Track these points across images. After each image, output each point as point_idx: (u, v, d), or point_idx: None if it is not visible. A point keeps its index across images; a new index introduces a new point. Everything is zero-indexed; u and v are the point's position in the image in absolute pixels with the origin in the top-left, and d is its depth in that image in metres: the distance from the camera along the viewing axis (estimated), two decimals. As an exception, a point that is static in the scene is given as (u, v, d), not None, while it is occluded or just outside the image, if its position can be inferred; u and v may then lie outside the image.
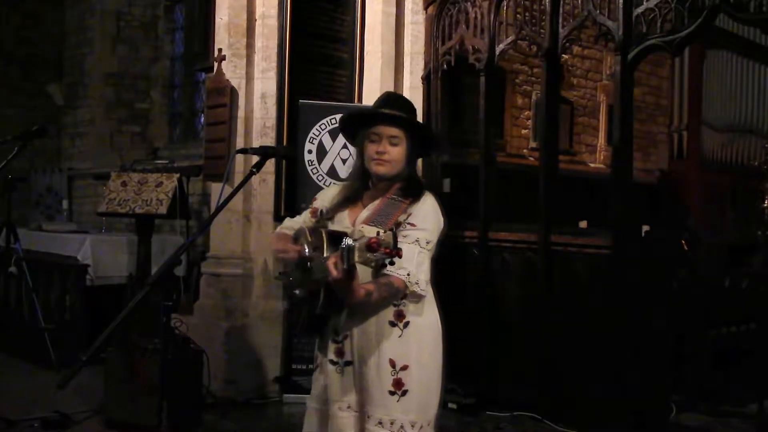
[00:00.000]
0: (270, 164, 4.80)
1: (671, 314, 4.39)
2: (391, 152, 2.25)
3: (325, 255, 2.10)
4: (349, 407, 2.27)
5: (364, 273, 2.14)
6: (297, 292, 2.28)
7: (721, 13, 3.95)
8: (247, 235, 4.87)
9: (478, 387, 4.61)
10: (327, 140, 4.68)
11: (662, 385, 4.35)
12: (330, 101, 4.90)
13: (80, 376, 2.05)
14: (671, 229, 6.02)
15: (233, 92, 4.88)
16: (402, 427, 2.22)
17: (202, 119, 6.68)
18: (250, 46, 4.93)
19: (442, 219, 2.30)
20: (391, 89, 5.18)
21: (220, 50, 4.95)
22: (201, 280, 5.10)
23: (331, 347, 2.30)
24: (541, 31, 4.57)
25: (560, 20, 4.47)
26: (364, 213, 2.29)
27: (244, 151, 2.59)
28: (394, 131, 2.25)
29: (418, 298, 2.23)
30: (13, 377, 5.01)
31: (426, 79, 5.27)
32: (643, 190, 6.97)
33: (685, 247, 4.89)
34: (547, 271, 4.48)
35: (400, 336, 2.25)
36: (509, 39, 4.80)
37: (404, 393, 2.23)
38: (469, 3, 4.98)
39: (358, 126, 2.35)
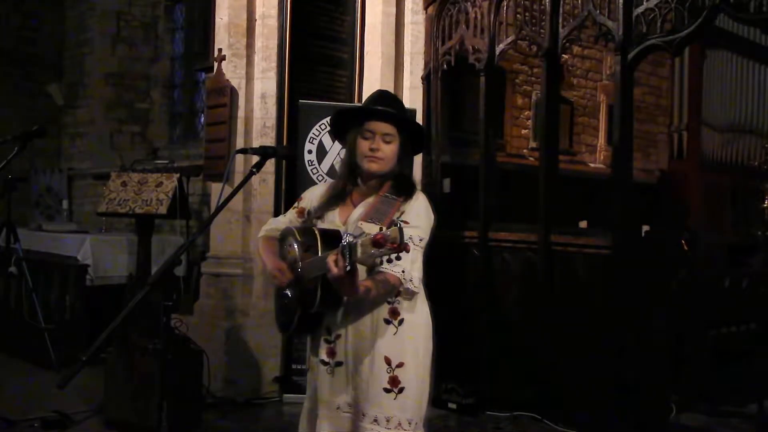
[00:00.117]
0: (270, 164, 4.81)
1: (671, 314, 4.39)
2: (384, 149, 2.26)
3: (319, 254, 2.11)
4: (338, 408, 2.27)
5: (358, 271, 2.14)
6: (288, 292, 2.29)
7: (721, 13, 3.95)
8: (247, 235, 4.87)
9: (478, 387, 4.61)
10: (327, 140, 4.68)
11: (662, 385, 4.35)
12: (330, 101, 4.90)
13: (80, 376, 2.04)
14: (671, 229, 6.02)
15: (233, 92, 4.88)
16: (399, 424, 2.23)
17: (202, 119, 6.68)
18: (250, 46, 4.93)
19: (433, 216, 2.31)
20: (391, 89, 5.18)
21: (220, 50, 4.95)
22: (201, 280, 5.10)
23: (323, 347, 2.30)
24: (541, 31, 4.57)
25: (560, 20, 4.47)
26: (357, 210, 2.29)
27: (244, 151, 2.59)
28: (387, 128, 2.26)
29: (411, 295, 2.24)
30: (13, 377, 5.00)
31: (426, 79, 5.27)
32: (643, 190, 6.97)
33: (685, 247, 4.89)
34: (547, 271, 4.48)
35: (395, 333, 2.26)
36: (509, 39, 4.80)
37: (401, 390, 2.24)
38: (469, 3, 4.98)
39: (348, 123, 2.34)
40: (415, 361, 2.27)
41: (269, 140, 4.84)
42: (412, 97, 5.26)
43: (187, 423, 3.88)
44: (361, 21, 5.20)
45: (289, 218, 2.46)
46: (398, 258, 1.87)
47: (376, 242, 1.80)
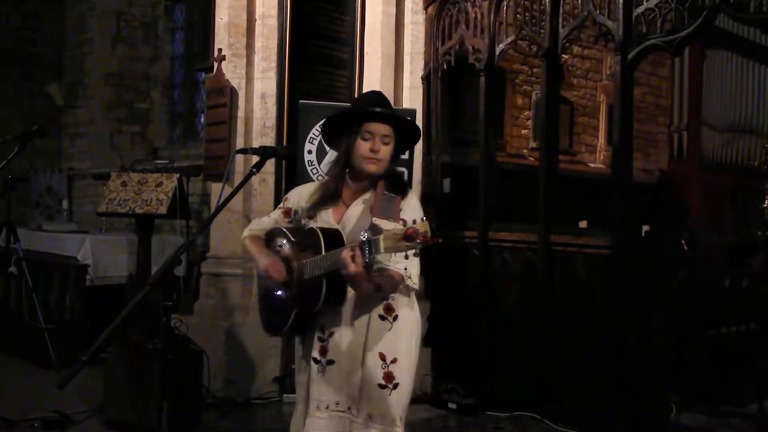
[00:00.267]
0: (270, 164, 4.80)
1: (671, 314, 4.39)
2: (383, 151, 2.27)
3: (323, 252, 2.11)
4: (327, 407, 2.28)
5: None
6: (281, 293, 2.29)
7: (721, 13, 3.95)
8: (247, 236, 4.86)
9: (478, 387, 4.61)
10: (327, 140, 4.68)
11: (662, 385, 4.35)
12: (330, 101, 4.89)
13: (80, 376, 2.04)
14: (671, 229, 6.02)
15: (233, 92, 4.88)
16: (393, 420, 2.26)
17: (202, 119, 6.68)
18: (250, 46, 4.93)
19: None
20: (391, 89, 5.18)
21: (220, 50, 4.95)
22: (201, 280, 5.10)
23: (316, 345, 2.31)
24: (541, 31, 4.57)
25: (560, 20, 4.47)
26: (353, 209, 2.31)
27: (244, 151, 2.60)
28: (386, 130, 2.28)
29: (409, 291, 2.28)
30: (13, 377, 5.00)
31: (426, 79, 5.27)
32: (643, 190, 6.97)
33: (685, 247, 4.89)
34: (547, 271, 4.48)
35: (390, 329, 2.29)
36: (509, 39, 4.80)
37: (395, 386, 2.26)
38: (469, 3, 4.98)
39: (343, 125, 2.35)
40: (408, 357, 2.31)
41: (269, 140, 4.84)
42: (412, 97, 5.26)
43: (187, 423, 3.88)
44: (361, 21, 5.20)
45: (275, 219, 2.47)
46: (416, 254, 1.89)
47: (408, 236, 1.83)
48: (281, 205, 2.49)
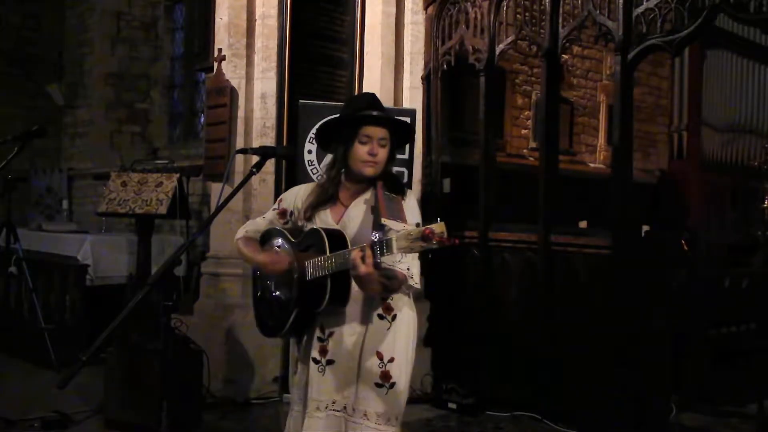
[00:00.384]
0: (270, 164, 4.80)
1: (671, 314, 4.38)
2: (380, 154, 2.29)
3: (327, 253, 2.11)
4: (327, 407, 2.28)
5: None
6: (280, 294, 2.29)
7: (721, 13, 3.95)
8: (247, 235, 4.86)
9: (478, 387, 4.61)
10: (327, 140, 4.67)
11: (662, 385, 4.35)
12: (330, 101, 4.89)
13: (80, 376, 2.04)
14: (671, 229, 6.02)
15: (233, 92, 4.88)
16: (389, 420, 2.27)
17: (202, 119, 6.68)
18: (250, 46, 4.93)
19: None
20: (391, 89, 5.18)
21: (220, 50, 4.95)
22: (201, 280, 5.10)
23: (315, 345, 2.31)
24: (541, 31, 4.57)
25: (560, 20, 4.47)
26: (353, 210, 2.32)
27: (244, 151, 2.60)
28: (383, 133, 2.29)
29: (409, 291, 2.28)
30: (13, 377, 5.00)
31: (426, 79, 5.27)
32: (643, 190, 6.98)
33: (685, 247, 4.89)
34: (547, 271, 4.48)
35: (388, 329, 2.30)
36: (509, 39, 4.80)
37: (392, 386, 2.27)
38: (469, 3, 4.98)
39: (338, 128, 2.35)
40: (405, 357, 2.32)
41: (269, 140, 4.83)
42: (412, 97, 5.26)
43: (187, 423, 3.88)
44: (361, 21, 5.20)
45: (269, 219, 2.47)
46: (431, 254, 1.89)
47: (426, 237, 1.83)
48: (275, 206, 2.49)
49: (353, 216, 2.31)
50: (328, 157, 5.02)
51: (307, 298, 2.22)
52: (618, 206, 4.17)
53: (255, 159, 2.41)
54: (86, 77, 8.08)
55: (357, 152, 2.28)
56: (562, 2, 4.45)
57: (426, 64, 5.28)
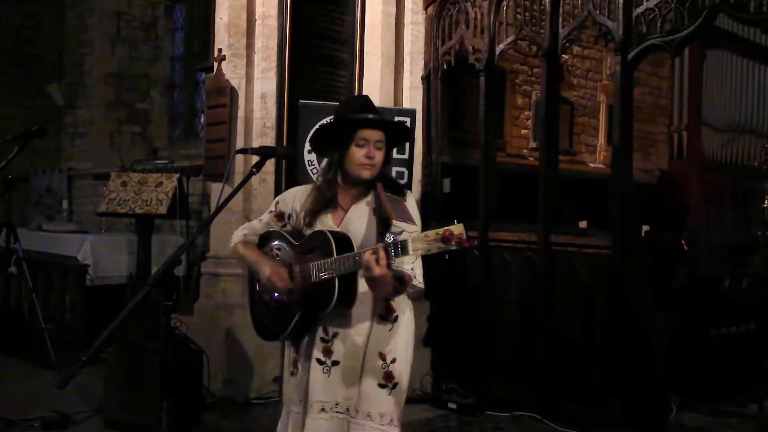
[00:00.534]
0: (270, 164, 4.80)
1: (671, 314, 4.38)
2: (377, 156, 2.29)
3: (335, 255, 2.12)
4: (331, 408, 2.27)
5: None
6: (282, 297, 2.29)
7: (721, 13, 3.95)
8: (247, 235, 4.86)
9: (478, 387, 4.61)
10: (327, 140, 4.67)
11: (662, 385, 4.35)
12: (330, 101, 4.89)
13: (80, 376, 2.04)
14: (671, 229, 6.02)
15: (233, 92, 4.88)
16: (391, 420, 2.27)
17: (202, 119, 6.68)
18: (250, 46, 4.93)
19: None
20: (391, 89, 5.18)
21: (220, 50, 4.95)
22: (201, 280, 5.10)
23: (319, 346, 2.30)
24: (541, 31, 4.57)
25: (560, 20, 4.47)
26: (355, 212, 2.31)
27: (244, 151, 2.60)
28: (379, 135, 2.29)
29: (413, 291, 2.28)
30: (13, 377, 5.00)
31: (426, 79, 5.27)
32: (643, 190, 6.97)
33: (685, 247, 4.89)
34: (547, 271, 4.48)
35: (390, 329, 2.31)
36: (509, 39, 4.80)
37: (395, 386, 2.28)
38: (469, 3, 4.98)
39: (334, 131, 2.35)
40: (405, 357, 2.33)
41: (269, 140, 4.83)
42: (412, 97, 5.26)
43: (187, 423, 3.89)
44: (361, 21, 5.20)
45: (266, 222, 2.45)
46: (459, 254, 1.89)
47: (446, 238, 1.84)
48: (271, 209, 2.47)
49: (354, 219, 2.31)
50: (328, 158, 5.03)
51: (312, 300, 2.21)
52: (618, 206, 4.17)
53: (255, 159, 2.40)
54: (86, 77, 8.09)
55: (354, 155, 2.27)
56: (562, 2, 4.45)
57: (426, 64, 5.28)
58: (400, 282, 2.17)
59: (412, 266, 2.19)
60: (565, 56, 6.34)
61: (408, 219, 2.09)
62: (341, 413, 2.27)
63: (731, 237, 7.15)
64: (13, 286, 5.72)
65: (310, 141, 2.49)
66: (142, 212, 4.42)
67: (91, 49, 8.02)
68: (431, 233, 1.86)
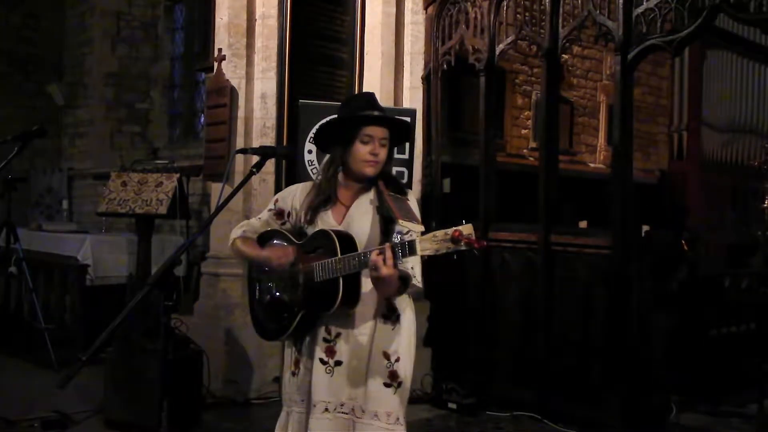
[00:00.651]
0: (270, 164, 4.80)
1: (671, 314, 4.39)
2: (381, 154, 2.28)
3: (339, 254, 2.11)
4: (335, 409, 2.27)
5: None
6: (284, 296, 2.28)
7: (721, 13, 3.95)
8: (247, 235, 4.86)
9: (478, 387, 4.61)
10: (327, 140, 4.67)
11: (662, 385, 4.35)
12: (330, 101, 4.89)
13: (80, 376, 2.04)
14: (671, 229, 6.02)
15: (233, 92, 4.88)
16: (398, 419, 2.28)
17: (202, 119, 6.68)
18: (250, 46, 4.92)
19: None
20: (391, 89, 5.18)
21: (220, 50, 4.94)
22: (201, 280, 5.10)
23: (321, 346, 2.29)
24: (541, 31, 4.57)
25: (560, 20, 4.47)
26: (356, 210, 2.31)
27: (244, 151, 2.60)
28: (384, 133, 2.29)
29: (414, 290, 2.28)
30: (13, 377, 5.00)
31: (426, 79, 5.27)
32: (643, 190, 6.97)
33: (685, 247, 4.89)
34: (547, 271, 4.48)
35: (393, 329, 2.30)
36: (509, 39, 4.80)
37: (399, 385, 2.28)
38: (469, 3, 4.98)
39: (338, 128, 2.34)
40: (409, 356, 2.33)
41: (269, 140, 4.83)
42: (412, 97, 5.26)
43: (187, 423, 3.89)
44: (361, 21, 5.20)
45: (265, 220, 2.44)
46: (466, 253, 1.89)
47: (455, 239, 1.83)
48: (271, 207, 2.45)
49: (357, 217, 2.30)
50: (328, 157, 5.03)
51: (315, 300, 2.20)
52: (618, 206, 4.16)
53: (255, 159, 2.40)
54: (86, 77, 8.08)
55: (358, 152, 2.27)
56: (562, 2, 4.45)
57: (426, 64, 5.28)
58: (404, 282, 2.16)
59: (412, 265, 2.19)
60: (565, 56, 6.34)
61: (413, 218, 2.08)
62: (346, 413, 2.27)
63: (731, 237, 7.16)
64: (13, 286, 5.72)
65: (314, 137, 2.47)
66: (142, 212, 4.42)
67: (91, 49, 8.02)
68: (440, 233, 1.85)
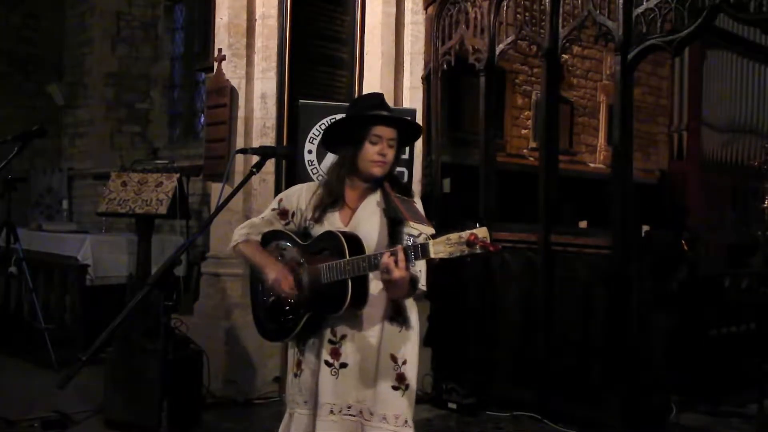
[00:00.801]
0: (270, 164, 4.80)
1: (671, 314, 4.39)
2: (389, 154, 2.28)
3: (347, 257, 2.10)
4: (341, 411, 2.26)
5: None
6: (289, 298, 2.28)
7: (721, 13, 3.95)
8: (247, 235, 4.86)
9: (478, 387, 4.61)
10: (327, 140, 4.68)
11: (662, 385, 4.35)
12: (330, 101, 4.89)
13: (80, 376, 2.04)
14: (671, 229, 6.02)
15: (233, 92, 4.88)
16: (406, 421, 2.27)
17: (202, 119, 6.68)
18: (250, 46, 4.93)
19: None
20: (391, 89, 5.18)
21: (220, 50, 4.94)
22: (201, 280, 5.10)
23: (326, 348, 2.27)
24: (541, 31, 4.57)
25: (560, 20, 4.47)
26: (362, 212, 2.30)
27: (244, 151, 2.59)
28: (392, 134, 2.28)
29: (419, 294, 2.27)
30: (13, 377, 5.00)
31: (426, 79, 5.27)
32: (643, 190, 6.97)
33: (685, 247, 4.89)
34: (547, 271, 4.48)
35: (399, 332, 2.30)
36: (509, 39, 4.80)
37: (407, 387, 2.28)
38: (469, 3, 4.98)
39: (346, 128, 2.33)
40: (415, 358, 2.33)
41: (269, 140, 4.83)
42: (412, 97, 5.26)
43: (187, 423, 3.89)
44: (361, 21, 5.20)
45: (268, 220, 2.41)
46: (476, 256, 1.88)
47: (470, 242, 1.82)
48: (274, 206, 2.43)
49: (364, 218, 2.29)
50: (329, 157, 5.05)
51: (322, 302, 2.19)
52: (618, 206, 4.16)
53: (255, 159, 2.39)
54: (86, 77, 8.08)
55: (367, 152, 2.26)
56: (562, 2, 4.45)
57: (426, 64, 5.28)
58: (413, 284, 2.15)
59: (420, 269, 2.17)
60: (565, 56, 6.34)
61: (423, 221, 2.06)
62: (353, 416, 2.26)
63: (731, 237, 7.16)
64: (13, 286, 5.72)
65: (322, 135, 2.45)
66: (142, 212, 4.42)
67: (91, 49, 8.02)
68: (453, 237, 1.84)
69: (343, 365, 2.26)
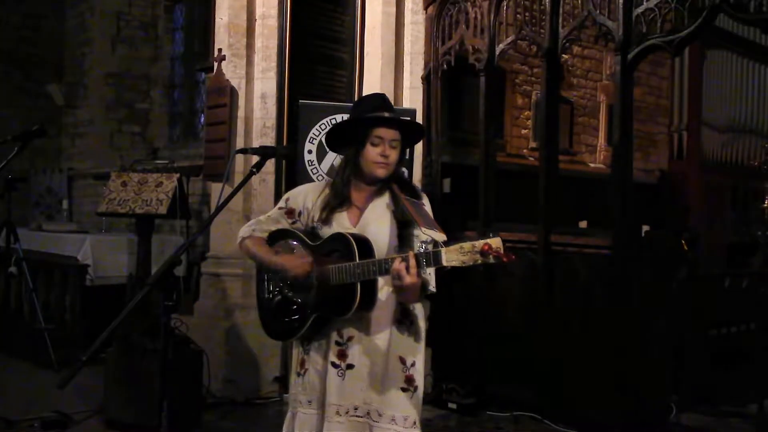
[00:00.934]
0: (270, 164, 4.80)
1: (671, 314, 4.38)
2: (392, 155, 2.27)
3: (357, 260, 2.10)
4: (347, 412, 2.25)
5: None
6: (298, 298, 2.27)
7: (721, 13, 3.95)
8: (247, 235, 4.87)
9: (478, 387, 4.61)
10: (327, 140, 4.68)
11: (662, 385, 4.35)
12: (330, 101, 4.89)
13: (80, 376, 2.04)
14: (671, 229, 6.02)
15: (233, 92, 4.88)
16: (414, 423, 2.27)
17: (202, 119, 6.68)
18: (250, 46, 4.93)
19: None
20: (391, 89, 5.18)
21: (220, 50, 4.95)
22: (201, 280, 5.10)
23: (333, 349, 2.27)
24: (541, 31, 4.57)
25: (560, 20, 4.47)
26: (370, 213, 2.29)
27: (244, 151, 2.59)
28: (395, 135, 2.27)
29: (427, 296, 2.27)
30: (13, 377, 5.01)
31: (426, 79, 5.27)
32: (643, 190, 6.98)
33: (685, 247, 4.89)
34: (547, 271, 4.48)
35: (407, 334, 2.30)
36: (509, 39, 4.80)
37: (415, 389, 2.28)
38: (469, 3, 4.98)
39: (349, 128, 2.33)
40: (422, 360, 2.33)
41: (269, 140, 4.84)
42: (412, 97, 5.26)
43: (187, 423, 3.88)
44: (361, 21, 5.20)
45: (275, 219, 2.41)
46: (488, 265, 1.88)
47: (484, 252, 1.83)
48: (281, 205, 2.43)
49: (372, 220, 2.28)
50: (329, 157, 5.06)
51: (331, 303, 2.19)
52: (618, 206, 4.16)
53: (255, 159, 2.39)
54: (86, 77, 8.08)
55: (369, 154, 2.26)
56: (562, 2, 4.45)
57: (426, 64, 5.28)
58: (423, 289, 2.15)
59: (429, 272, 2.16)
60: (565, 56, 6.34)
61: (435, 226, 2.05)
62: (361, 417, 2.25)
63: (731, 237, 7.16)
64: (13, 286, 5.72)
65: (325, 136, 2.45)
66: (142, 212, 4.42)
67: (91, 49, 8.02)
68: (467, 245, 1.83)
69: (350, 366, 2.26)
